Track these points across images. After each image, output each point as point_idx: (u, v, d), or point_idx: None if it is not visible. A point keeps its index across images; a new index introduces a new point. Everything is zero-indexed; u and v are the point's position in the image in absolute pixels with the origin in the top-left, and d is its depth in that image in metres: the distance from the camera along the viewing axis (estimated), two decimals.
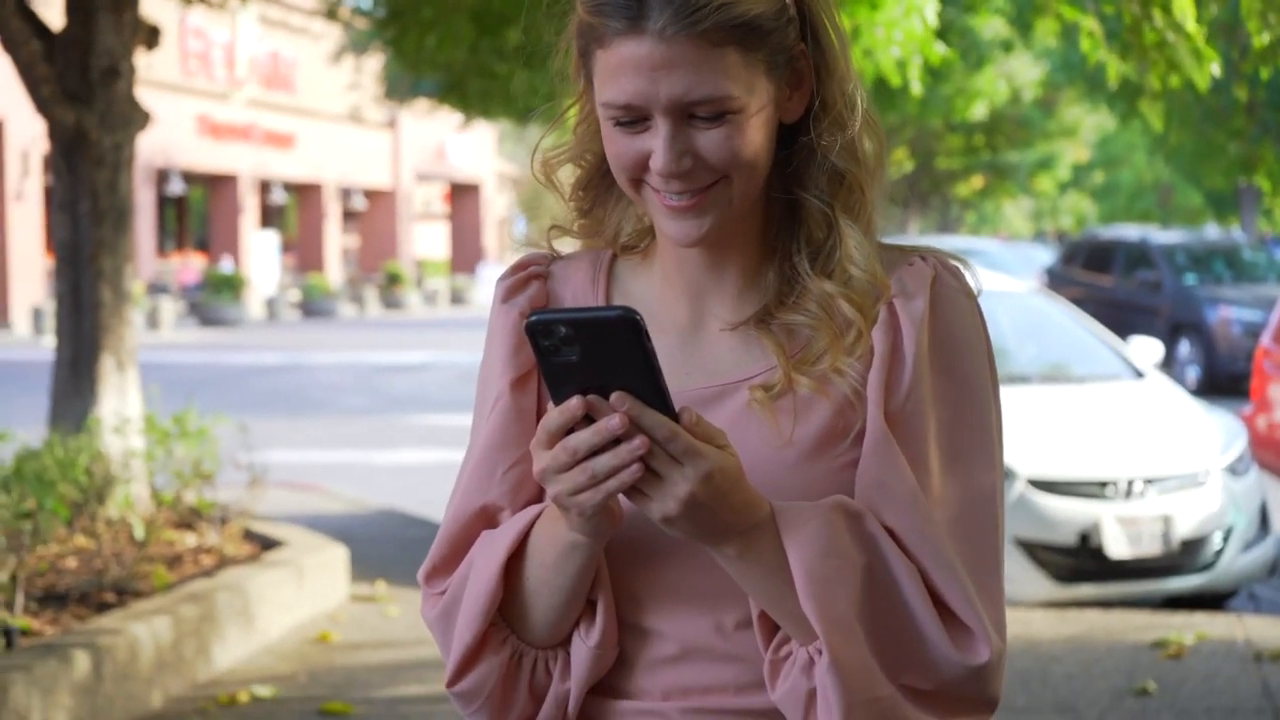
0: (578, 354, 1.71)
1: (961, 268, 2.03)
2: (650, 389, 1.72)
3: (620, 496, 1.76)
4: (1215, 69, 9.36)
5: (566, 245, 2.18)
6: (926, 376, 1.93)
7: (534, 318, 1.71)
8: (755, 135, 1.89)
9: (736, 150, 1.87)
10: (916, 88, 12.40)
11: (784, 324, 1.96)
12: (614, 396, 1.71)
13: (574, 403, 1.72)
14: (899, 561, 1.85)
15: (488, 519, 2.01)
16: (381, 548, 10.48)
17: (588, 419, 1.73)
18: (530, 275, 2.11)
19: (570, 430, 1.73)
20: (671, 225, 1.93)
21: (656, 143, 1.87)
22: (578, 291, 2.09)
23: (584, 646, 1.95)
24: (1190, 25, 8.96)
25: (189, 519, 8.89)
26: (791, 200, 1.99)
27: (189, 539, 8.65)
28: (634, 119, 1.88)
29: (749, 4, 1.85)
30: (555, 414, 1.74)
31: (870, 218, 1.99)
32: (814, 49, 1.96)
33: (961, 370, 1.96)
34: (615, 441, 1.71)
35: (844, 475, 1.91)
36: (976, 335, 1.99)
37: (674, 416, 1.73)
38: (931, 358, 1.94)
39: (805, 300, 1.95)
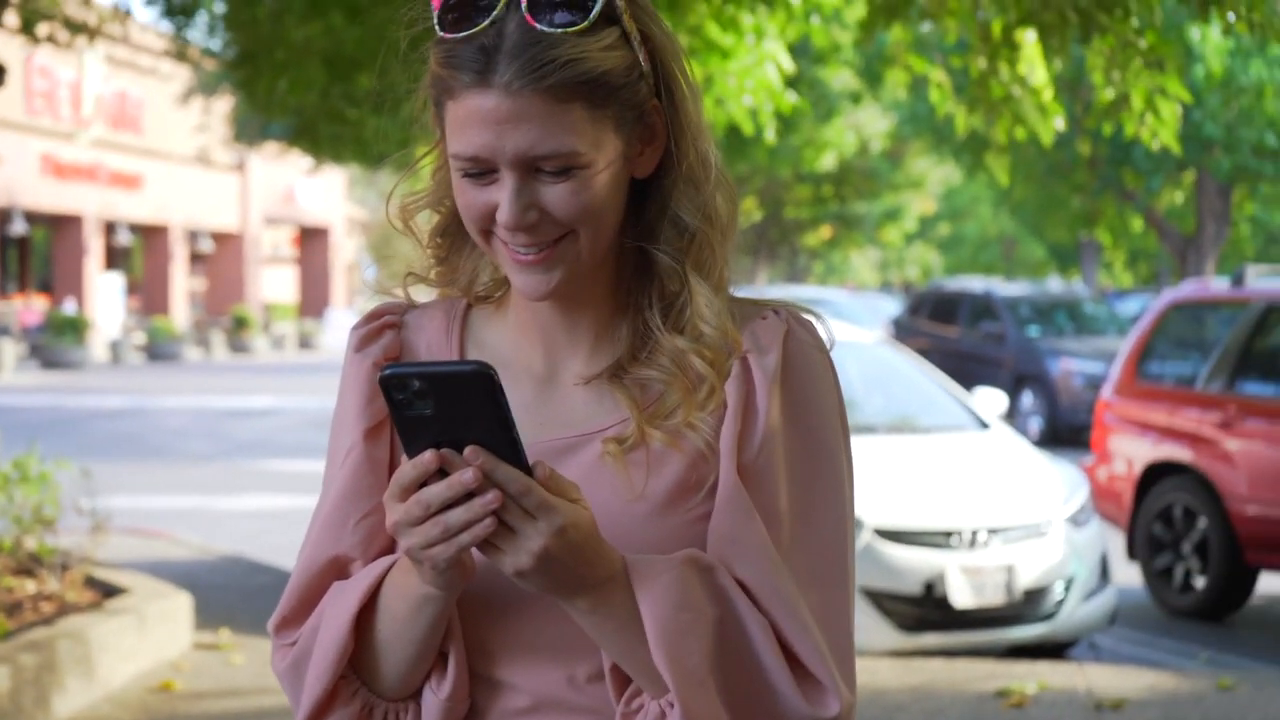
0: (431, 407, 1.71)
1: (814, 321, 2.05)
2: (504, 443, 1.72)
3: (473, 549, 1.76)
4: (1060, 123, 9.54)
5: (422, 293, 2.18)
6: (779, 430, 1.94)
7: (387, 371, 1.71)
8: (603, 190, 1.89)
9: (583, 205, 1.88)
10: (770, 135, 12.52)
11: (637, 378, 1.97)
12: (467, 450, 1.71)
13: (427, 456, 1.72)
14: (751, 615, 1.86)
15: (339, 570, 2.00)
16: (226, 595, 10.36)
17: (441, 472, 1.73)
18: (384, 324, 2.10)
19: (424, 483, 1.73)
20: (520, 279, 1.93)
21: (502, 195, 1.88)
22: (432, 341, 2.09)
23: (435, 699, 1.94)
24: (1036, 79, 9.13)
25: (29, 565, 8.73)
26: (644, 254, 2.00)
27: (29, 586, 8.49)
28: (481, 171, 1.89)
29: (596, 60, 1.86)
30: (409, 467, 1.73)
31: (722, 273, 2.00)
32: (667, 104, 1.97)
33: (813, 424, 1.98)
34: (469, 495, 1.71)
35: (697, 528, 1.91)
36: (828, 389, 2.01)
37: (528, 470, 1.74)
38: (784, 412, 1.95)
39: (658, 355, 1.96)
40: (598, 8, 1.86)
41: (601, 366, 2.00)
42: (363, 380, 2.05)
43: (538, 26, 1.84)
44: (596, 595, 1.81)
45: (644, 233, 2.00)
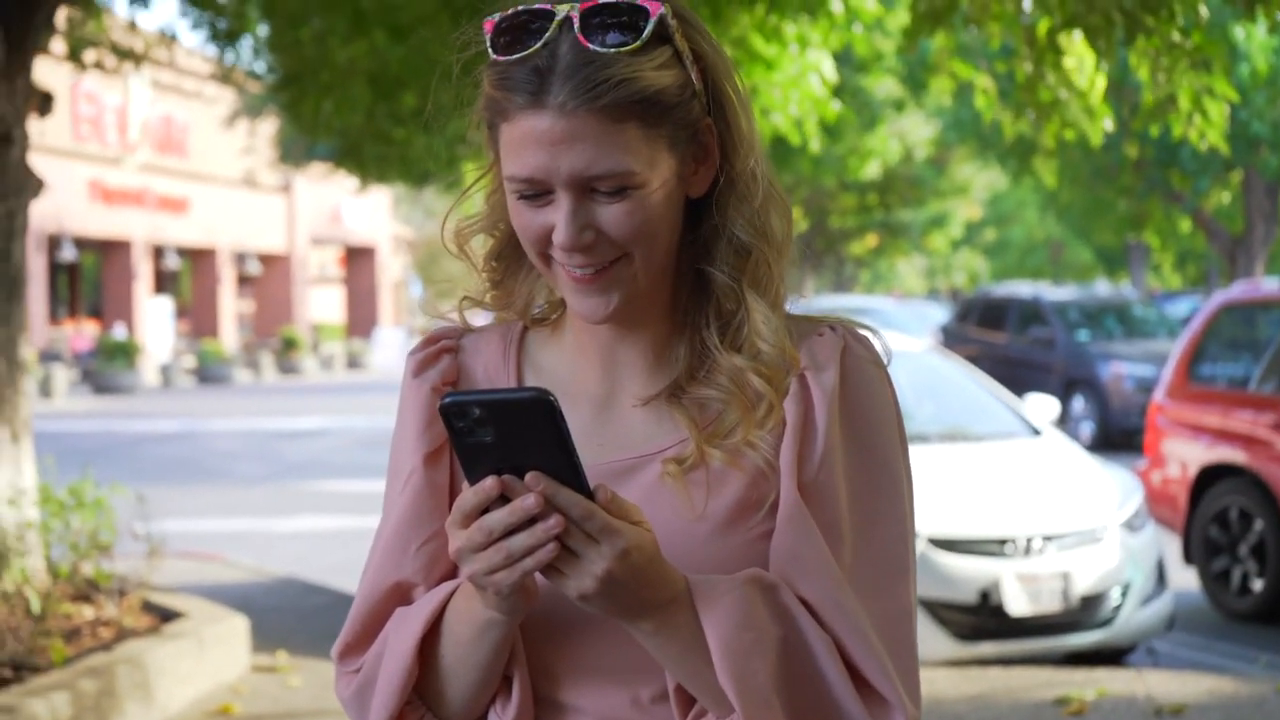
0: (492, 434, 1.71)
1: (871, 336, 2.05)
2: (565, 467, 1.72)
3: (536, 574, 1.76)
4: (1108, 124, 9.50)
5: (478, 316, 2.18)
6: (838, 447, 1.94)
7: (447, 399, 1.71)
8: (658, 210, 1.90)
9: (639, 224, 1.88)
10: (815, 145, 12.51)
11: (695, 398, 1.97)
12: (529, 476, 1.72)
13: (489, 483, 1.72)
14: (814, 633, 1.86)
15: (402, 595, 2.00)
16: (282, 617, 10.39)
17: (503, 498, 1.73)
18: (441, 349, 2.11)
19: (486, 510, 1.73)
20: (579, 301, 1.94)
21: (558, 216, 1.88)
22: (489, 365, 2.10)
23: None
24: (1083, 82, 9.10)
25: (86, 591, 8.77)
26: (700, 274, 2.00)
27: (87, 612, 8.53)
28: (537, 192, 1.89)
29: (650, 79, 1.86)
30: (470, 494, 1.74)
31: (778, 291, 2.00)
32: (719, 122, 1.97)
33: (872, 440, 1.98)
34: (531, 520, 1.72)
35: (758, 546, 1.91)
36: (886, 405, 2.01)
37: (590, 494, 1.74)
38: (843, 428, 1.95)
39: (716, 374, 1.96)
40: (650, 27, 1.87)
41: (660, 386, 2.00)
42: (421, 405, 2.05)
43: (591, 47, 1.85)
44: (660, 617, 1.81)
45: (700, 252, 2.00)
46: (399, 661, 1.93)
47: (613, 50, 1.85)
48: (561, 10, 1.87)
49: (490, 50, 1.90)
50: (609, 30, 1.86)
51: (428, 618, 1.92)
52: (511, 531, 1.72)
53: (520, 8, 1.89)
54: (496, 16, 1.90)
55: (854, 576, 1.91)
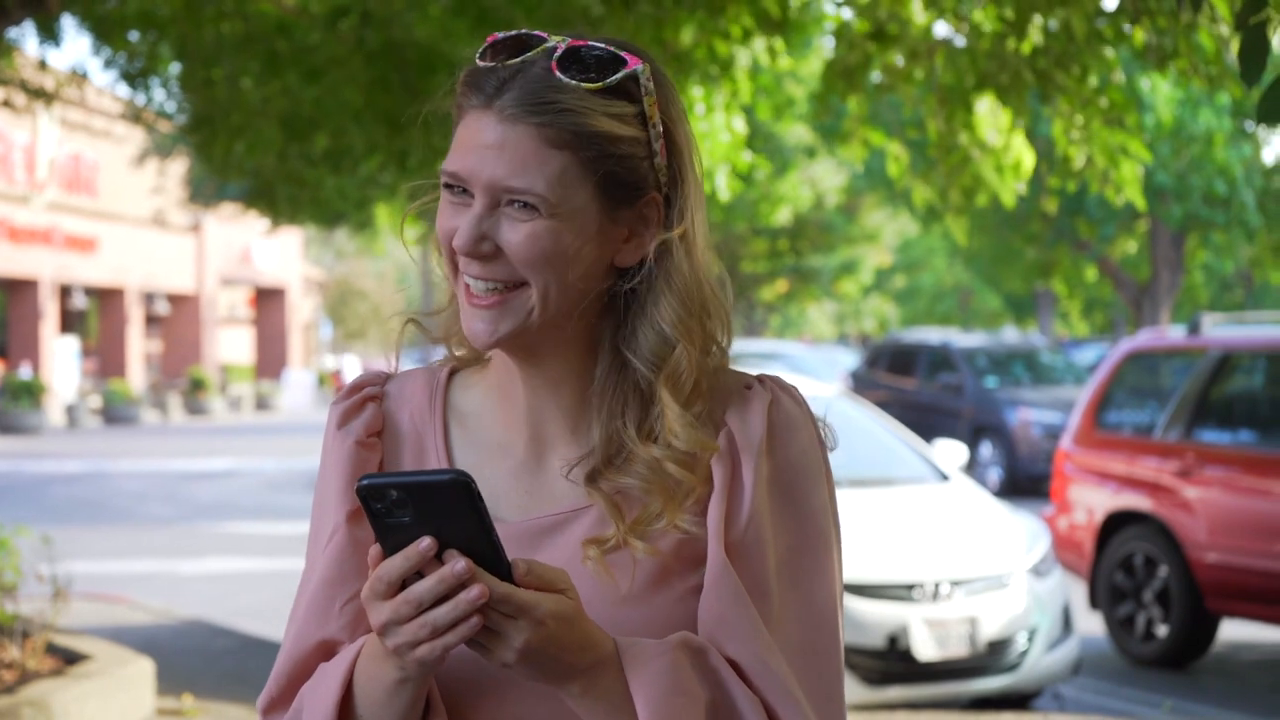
0: (410, 515, 1.72)
1: (797, 390, 2.06)
2: (484, 545, 1.73)
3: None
4: (1021, 187, 9.59)
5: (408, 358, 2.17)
6: (765, 504, 1.95)
7: (364, 482, 1.71)
8: (564, 246, 1.89)
9: (539, 252, 1.89)
10: (724, 194, 12.54)
11: (615, 485, 1.96)
12: (446, 554, 1.73)
13: (424, 544, 1.72)
14: (743, 695, 1.87)
15: (327, 653, 1.99)
16: (188, 660, 10.30)
17: (419, 573, 1.74)
18: (365, 397, 2.11)
19: (406, 583, 1.74)
20: (468, 319, 1.95)
21: (465, 219, 1.91)
22: (415, 412, 2.09)
23: None
24: (996, 140, 9.18)
25: None
26: (622, 354, 1.99)
27: None
28: (460, 189, 1.92)
29: (597, 120, 1.89)
30: (397, 560, 1.74)
31: (700, 385, 1.98)
32: (671, 202, 1.98)
33: (800, 495, 1.99)
34: (451, 595, 1.72)
35: (686, 601, 1.93)
36: (815, 458, 2.02)
37: (508, 568, 1.74)
38: (770, 483, 1.96)
39: (633, 463, 1.95)
40: (617, 76, 1.90)
41: (580, 447, 2.00)
42: (345, 459, 2.05)
43: (556, 73, 1.89)
44: (587, 680, 1.82)
45: (625, 334, 1.98)
46: None
47: (573, 82, 1.88)
48: (554, 40, 1.92)
49: (478, 58, 1.94)
50: (579, 67, 1.90)
51: (343, 679, 1.91)
52: (437, 602, 1.72)
53: (523, 31, 1.94)
54: (500, 34, 1.94)
55: (782, 635, 1.92)
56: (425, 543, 1.72)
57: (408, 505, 1.71)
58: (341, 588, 1.99)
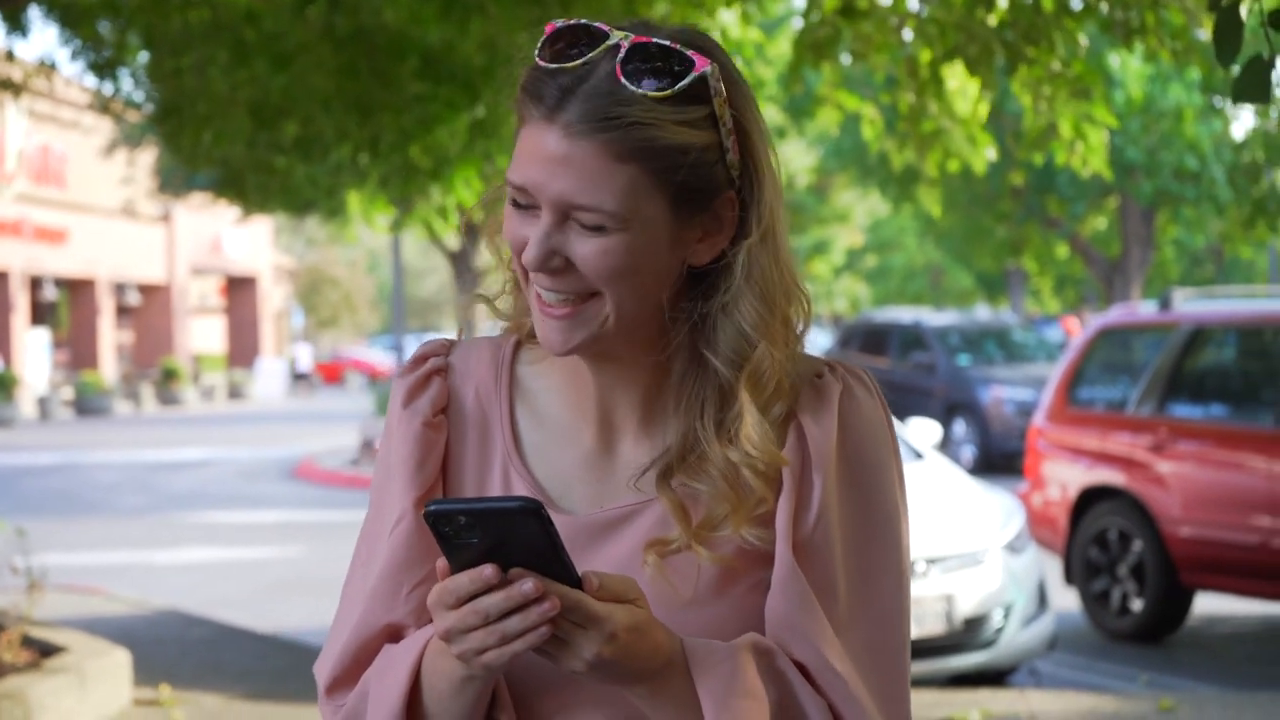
0: (479, 537, 1.71)
1: (866, 376, 2.04)
2: (554, 562, 1.73)
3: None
4: (991, 154, 9.63)
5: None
6: (835, 501, 1.93)
7: (432, 508, 1.70)
8: (636, 258, 1.85)
9: (610, 267, 1.84)
10: None
11: (686, 488, 1.93)
12: (512, 573, 1.72)
13: (488, 571, 1.71)
14: (809, 698, 1.86)
15: (393, 636, 1.98)
16: (165, 649, 10.29)
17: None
18: (430, 371, 2.07)
19: (475, 595, 1.73)
20: (541, 327, 1.91)
21: (534, 234, 1.86)
22: (481, 389, 2.06)
23: None
24: (965, 111, 9.21)
25: None
26: (701, 353, 1.95)
27: None
28: (527, 203, 1.87)
29: (667, 131, 1.83)
30: (464, 580, 1.72)
31: (782, 384, 1.94)
32: (746, 200, 1.93)
33: (871, 488, 1.97)
34: (523, 605, 1.71)
35: (750, 599, 1.92)
36: (886, 448, 2.00)
37: (578, 582, 1.74)
38: (840, 480, 1.94)
39: (706, 465, 1.92)
40: (685, 81, 1.83)
41: (652, 443, 1.98)
42: (411, 442, 2.02)
43: (621, 80, 1.82)
44: (654, 683, 1.81)
45: (705, 332, 1.94)
46: (387, 713, 1.91)
47: (640, 91, 1.82)
48: (616, 36, 1.85)
49: (537, 53, 1.87)
50: (646, 71, 1.83)
51: (410, 669, 1.90)
52: (505, 615, 1.72)
53: (581, 20, 1.87)
54: (559, 22, 1.87)
55: (849, 635, 1.91)
56: (489, 570, 1.71)
57: (476, 529, 1.70)
58: (408, 573, 1.97)
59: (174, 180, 31.88)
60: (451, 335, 2.16)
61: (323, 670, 2.02)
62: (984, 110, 9.29)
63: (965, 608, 9.09)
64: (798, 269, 1.99)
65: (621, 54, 1.83)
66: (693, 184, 1.87)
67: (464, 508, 1.70)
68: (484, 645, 1.73)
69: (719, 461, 1.91)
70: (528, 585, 1.70)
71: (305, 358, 60.65)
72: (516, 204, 1.89)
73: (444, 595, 1.74)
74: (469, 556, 1.72)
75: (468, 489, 2.01)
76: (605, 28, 1.86)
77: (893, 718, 1.92)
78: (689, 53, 1.85)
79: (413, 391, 2.05)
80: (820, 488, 1.92)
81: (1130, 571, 11.48)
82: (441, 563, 1.75)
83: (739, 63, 12.67)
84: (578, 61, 1.84)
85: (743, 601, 1.91)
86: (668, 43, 1.85)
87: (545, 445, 2.02)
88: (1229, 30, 3.70)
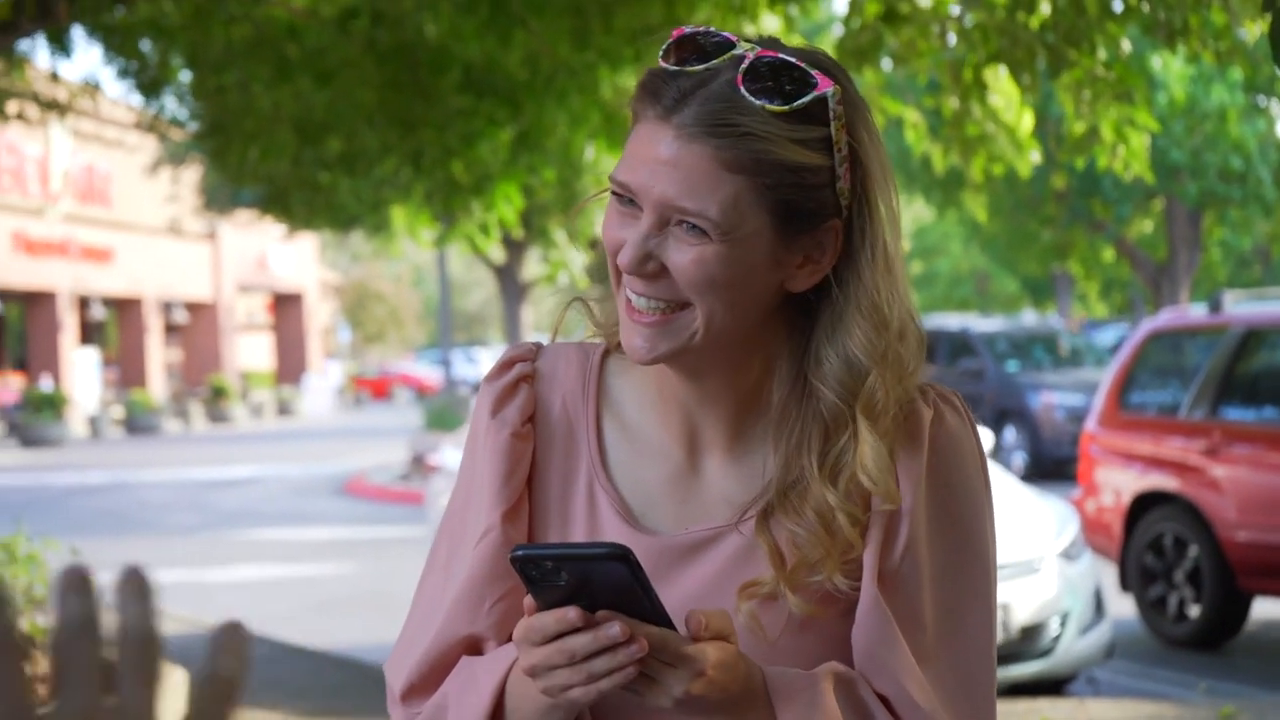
0: (566, 579, 1.69)
1: (956, 400, 2.01)
2: (642, 602, 1.70)
3: None
4: (1035, 156, 9.58)
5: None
6: (924, 531, 1.90)
7: (519, 553, 1.69)
8: (732, 272, 1.82)
9: (704, 276, 1.82)
10: None
11: (784, 529, 1.90)
12: (601, 614, 1.70)
13: (572, 614, 1.70)
14: None
15: (472, 648, 1.97)
16: None
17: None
18: (518, 377, 2.04)
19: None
20: (626, 333, 1.89)
21: (632, 235, 1.84)
22: (568, 397, 2.04)
23: None
24: (1010, 116, 9.16)
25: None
26: (808, 382, 1.92)
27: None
28: (629, 201, 1.85)
29: (779, 146, 1.80)
30: (552, 620, 1.70)
31: (896, 419, 1.90)
32: (854, 230, 1.89)
33: (960, 517, 1.94)
34: (610, 647, 1.69)
35: (838, 628, 1.89)
36: (976, 473, 1.97)
37: (669, 623, 1.72)
38: (930, 506, 1.91)
39: (804, 505, 1.89)
40: (804, 100, 1.81)
41: (740, 469, 1.96)
42: (500, 454, 1.99)
43: (742, 89, 1.79)
44: (736, 713, 1.79)
45: (810, 360, 1.91)
46: None
47: (759, 103, 1.79)
48: (742, 47, 1.83)
49: (661, 55, 1.85)
50: (768, 84, 1.80)
51: (495, 689, 1.88)
52: (591, 656, 1.70)
53: (711, 29, 1.85)
54: (687, 28, 1.86)
55: (936, 665, 1.88)
56: (573, 613, 1.69)
57: (563, 572, 1.68)
58: (492, 587, 1.94)
59: (219, 197, 32.04)
60: (542, 339, 2.14)
61: (398, 673, 2.01)
62: (1030, 117, 9.24)
63: (1021, 616, 9.03)
64: (914, 308, 1.96)
65: (745, 65, 1.81)
66: (798, 204, 1.84)
67: (552, 553, 1.69)
68: (570, 683, 1.71)
69: (817, 502, 1.88)
70: (614, 629, 1.68)
71: (335, 374, 60.65)
72: (618, 205, 1.86)
73: (530, 633, 1.72)
74: (556, 596, 1.71)
75: (552, 500, 2.00)
76: (734, 38, 1.84)
77: None
78: (813, 72, 1.83)
79: (501, 399, 2.03)
80: (909, 519, 1.89)
81: (1187, 577, 11.40)
82: (529, 599, 1.73)
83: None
84: (700, 66, 1.82)
85: (824, 647, 1.88)
86: (793, 60, 1.83)
87: (631, 460, 2.00)
88: None
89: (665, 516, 1.93)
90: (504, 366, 2.06)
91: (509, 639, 1.90)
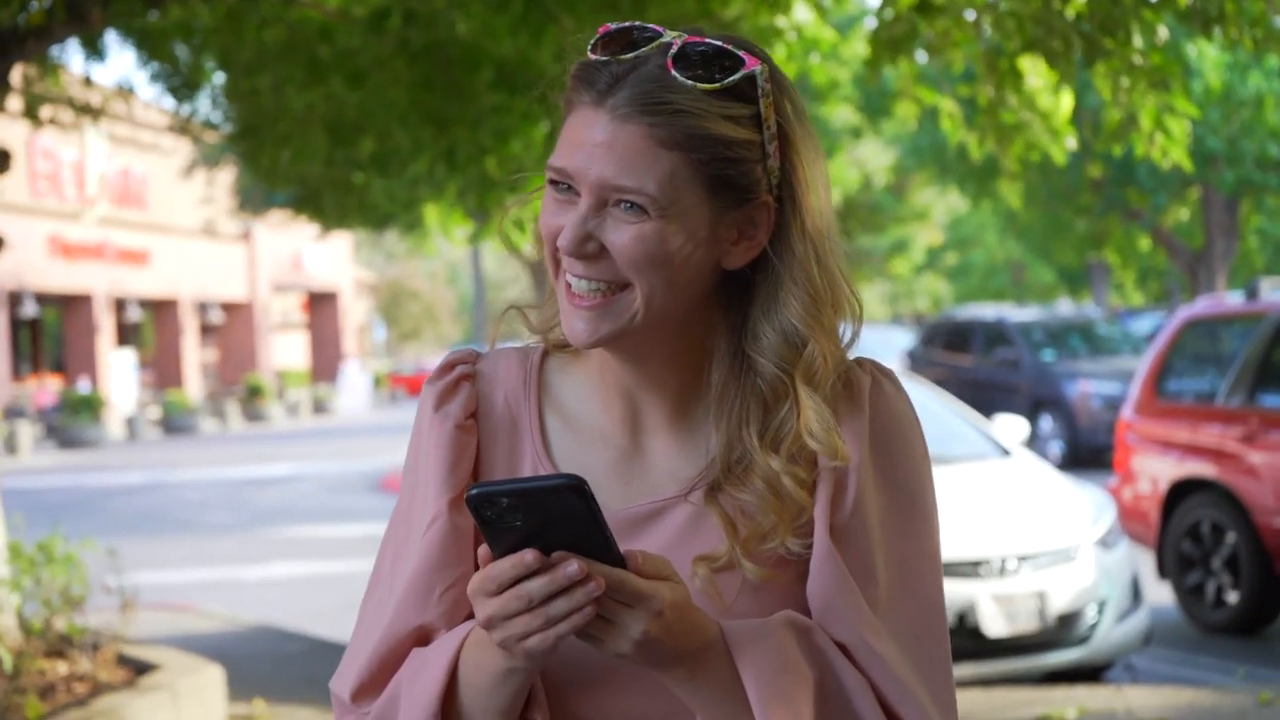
0: (521, 519, 1.70)
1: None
2: (597, 542, 1.72)
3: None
4: (1071, 143, 9.57)
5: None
6: (870, 488, 1.94)
7: (474, 492, 1.70)
8: (670, 250, 1.86)
9: (644, 254, 1.86)
10: None
11: (734, 500, 1.93)
12: (556, 555, 1.71)
13: (529, 556, 1.71)
14: (851, 675, 1.86)
15: (423, 639, 1.98)
16: (258, 665, 10.34)
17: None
18: (459, 377, 2.08)
19: (518, 580, 1.72)
20: (567, 319, 1.92)
21: (571, 218, 1.88)
22: (509, 394, 2.07)
23: None
24: (1045, 104, 9.15)
25: (60, 647, 8.71)
26: (746, 358, 1.96)
27: (61, 667, 8.47)
28: (567, 186, 1.89)
29: (710, 122, 1.85)
30: (507, 566, 1.72)
31: (834, 386, 1.96)
32: (785, 205, 1.94)
33: (903, 475, 1.98)
34: (568, 587, 1.71)
35: (793, 589, 1.92)
36: (915, 438, 2.02)
37: (621, 561, 1.73)
38: (874, 467, 1.96)
39: (751, 476, 1.93)
40: (734, 77, 1.87)
41: (684, 446, 1.99)
42: (444, 444, 2.02)
43: (671, 71, 1.86)
44: (694, 664, 1.80)
45: (747, 335, 1.96)
46: (422, 712, 1.89)
47: (689, 82, 1.86)
48: (670, 35, 1.89)
49: (590, 49, 1.91)
50: (696, 66, 1.87)
51: (448, 665, 1.89)
52: (549, 598, 1.71)
53: (638, 23, 1.91)
54: (613, 25, 1.91)
55: (890, 618, 1.91)
56: (530, 555, 1.70)
57: (518, 510, 1.69)
58: (441, 575, 1.97)
59: (253, 199, 32.08)
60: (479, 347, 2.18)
61: (345, 680, 2.01)
62: (1069, 102, 9.23)
63: (1059, 604, 9.03)
64: (850, 277, 2.01)
65: (674, 50, 1.87)
66: (731, 179, 1.89)
67: (506, 488, 1.69)
68: (528, 630, 1.72)
69: (764, 471, 1.92)
70: (572, 567, 1.69)
71: (354, 373, 60.63)
72: (555, 193, 1.91)
73: (485, 583, 1.73)
74: (511, 541, 1.72)
75: None
76: (660, 29, 1.90)
77: (937, 701, 1.92)
78: (740, 53, 1.89)
79: (443, 396, 2.06)
80: (855, 477, 1.93)
81: (1224, 564, 11.37)
82: (483, 550, 1.75)
83: (814, 59, 12.70)
84: (630, 55, 1.88)
85: (780, 609, 1.90)
86: (720, 43, 1.89)
87: (574, 447, 2.03)
88: None
89: (612, 497, 1.95)
90: (445, 369, 2.09)
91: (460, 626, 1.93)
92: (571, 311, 1.91)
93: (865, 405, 1.97)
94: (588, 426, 2.02)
